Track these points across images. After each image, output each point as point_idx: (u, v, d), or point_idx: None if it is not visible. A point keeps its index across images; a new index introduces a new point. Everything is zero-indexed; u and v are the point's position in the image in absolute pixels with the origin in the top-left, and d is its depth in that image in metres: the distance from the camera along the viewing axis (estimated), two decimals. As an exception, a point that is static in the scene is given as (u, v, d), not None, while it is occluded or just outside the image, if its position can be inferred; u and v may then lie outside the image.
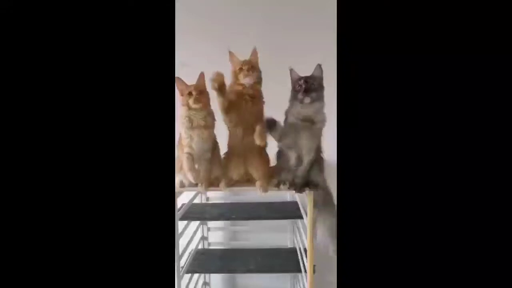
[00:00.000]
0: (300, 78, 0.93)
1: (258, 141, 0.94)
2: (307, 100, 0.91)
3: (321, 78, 0.94)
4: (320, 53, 1.17)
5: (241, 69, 0.95)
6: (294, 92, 0.94)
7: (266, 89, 1.01)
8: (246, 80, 0.95)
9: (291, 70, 0.96)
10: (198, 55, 1.38)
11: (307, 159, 0.95)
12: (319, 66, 0.93)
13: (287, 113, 0.97)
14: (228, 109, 0.95)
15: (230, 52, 0.99)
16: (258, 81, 0.98)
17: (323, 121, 0.94)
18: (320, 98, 0.93)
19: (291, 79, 0.96)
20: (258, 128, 0.94)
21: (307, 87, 0.91)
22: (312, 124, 0.92)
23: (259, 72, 0.99)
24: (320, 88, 0.93)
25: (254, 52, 1.00)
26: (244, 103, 0.96)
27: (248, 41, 0.99)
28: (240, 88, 0.96)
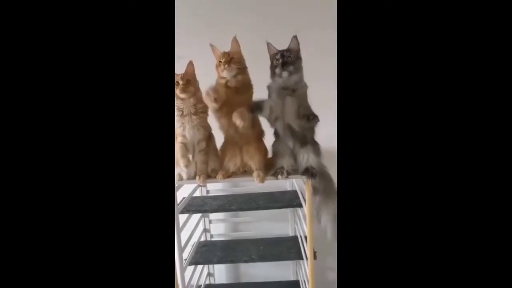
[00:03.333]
0: (277, 52, 0.94)
1: (237, 122, 0.88)
2: (285, 74, 0.92)
3: (297, 50, 0.95)
4: (319, 51, 1.18)
5: (220, 62, 0.94)
6: (273, 67, 0.95)
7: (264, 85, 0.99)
8: (224, 73, 0.93)
9: (268, 44, 0.95)
10: (193, 48, 1.37)
11: (294, 122, 0.94)
12: (295, 37, 0.94)
13: (269, 88, 0.97)
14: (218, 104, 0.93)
15: (211, 45, 0.97)
16: (240, 71, 0.95)
17: (304, 86, 0.95)
18: (298, 70, 0.94)
19: (269, 53, 0.96)
20: (237, 110, 0.90)
21: (284, 61, 0.92)
22: (294, 92, 0.93)
23: (242, 61, 0.97)
24: (297, 60, 0.94)
25: (234, 42, 0.97)
26: (231, 95, 0.94)
27: (245, 35, 0.98)
28: (223, 81, 0.95)
